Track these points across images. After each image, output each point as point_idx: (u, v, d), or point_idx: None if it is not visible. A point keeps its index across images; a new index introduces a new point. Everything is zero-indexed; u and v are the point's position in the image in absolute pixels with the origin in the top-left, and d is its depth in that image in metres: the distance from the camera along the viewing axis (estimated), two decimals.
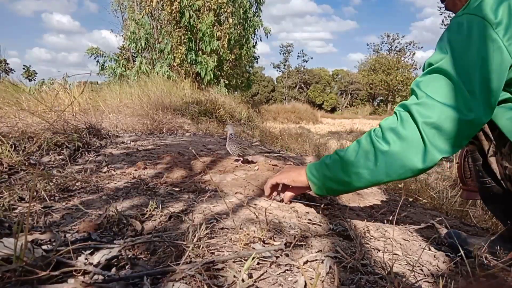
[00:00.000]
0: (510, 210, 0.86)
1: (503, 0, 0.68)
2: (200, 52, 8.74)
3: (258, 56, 12.49)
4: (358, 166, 0.79)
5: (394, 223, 1.01)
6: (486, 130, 0.80)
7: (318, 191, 0.92)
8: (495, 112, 0.75)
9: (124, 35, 9.75)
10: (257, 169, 1.41)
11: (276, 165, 1.52)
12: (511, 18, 0.67)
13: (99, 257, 0.55)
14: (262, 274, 0.58)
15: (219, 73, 9.49)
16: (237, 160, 1.53)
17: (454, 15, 0.80)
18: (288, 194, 1.02)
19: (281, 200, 1.05)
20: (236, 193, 1.11)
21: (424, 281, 0.66)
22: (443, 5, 0.95)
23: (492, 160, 0.82)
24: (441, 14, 20.59)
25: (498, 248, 0.86)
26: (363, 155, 0.79)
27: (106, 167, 1.30)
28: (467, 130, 0.72)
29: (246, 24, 10.20)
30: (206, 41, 8.39)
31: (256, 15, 10.45)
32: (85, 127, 1.82)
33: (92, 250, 0.60)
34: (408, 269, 0.70)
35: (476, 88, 0.69)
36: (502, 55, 0.68)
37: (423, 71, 0.79)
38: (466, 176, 1.13)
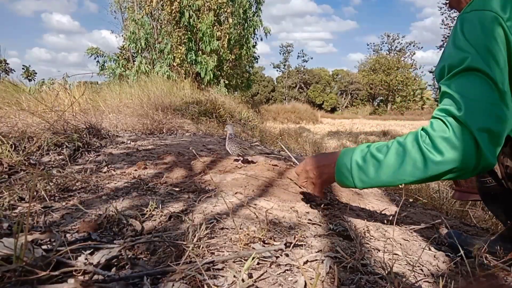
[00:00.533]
0: (510, 209, 0.86)
1: None
2: (200, 52, 8.74)
3: (258, 56, 12.49)
4: (404, 174, 0.75)
5: (394, 223, 1.01)
6: None
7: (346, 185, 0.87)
8: None
9: (124, 35, 9.75)
10: (257, 169, 1.41)
11: (276, 165, 1.52)
12: None
13: (99, 257, 0.55)
14: (262, 274, 0.58)
15: (219, 73, 9.49)
16: (236, 160, 1.53)
17: (457, 13, 0.79)
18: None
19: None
20: (236, 193, 1.11)
21: (424, 281, 0.66)
22: (447, 3, 0.93)
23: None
24: (442, 14, 20.57)
25: (498, 248, 0.86)
26: (410, 163, 0.74)
27: (106, 167, 1.30)
28: (509, 126, 0.70)
29: (246, 24, 10.20)
30: (206, 41, 8.39)
31: (256, 15, 10.45)
32: (85, 127, 1.82)
33: (92, 250, 0.60)
34: (408, 269, 0.70)
35: (506, 82, 0.69)
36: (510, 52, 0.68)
37: (439, 75, 0.77)
38: None
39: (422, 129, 0.75)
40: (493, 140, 0.69)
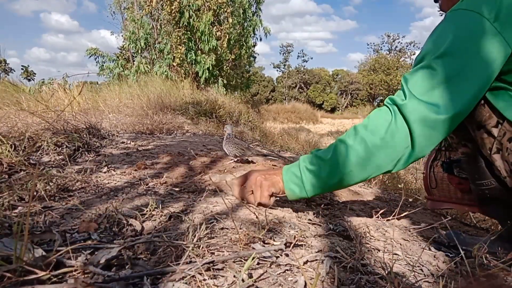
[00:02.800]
0: (509, 210, 0.86)
1: None
2: (199, 51, 8.73)
3: (257, 53, 12.48)
4: (350, 165, 0.79)
5: (394, 223, 1.01)
6: (488, 127, 0.79)
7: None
8: (501, 105, 0.75)
9: (123, 35, 9.75)
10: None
11: (275, 165, 1.52)
12: (506, 10, 0.68)
13: (99, 257, 0.55)
14: (262, 274, 0.58)
15: (218, 72, 9.48)
16: (234, 161, 1.53)
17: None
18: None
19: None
20: None
21: (424, 281, 0.66)
22: (438, 6, 0.95)
23: (496, 157, 0.80)
24: (441, 15, 20.56)
25: (498, 248, 0.86)
26: (353, 154, 0.80)
27: (106, 167, 1.30)
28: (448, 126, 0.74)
29: (246, 24, 10.19)
30: (205, 40, 8.39)
31: (255, 15, 10.44)
32: (85, 127, 1.82)
33: (92, 250, 0.60)
34: (408, 269, 0.70)
35: (475, 83, 0.71)
36: (500, 48, 0.69)
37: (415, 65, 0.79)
38: (431, 186, 1.15)
39: (367, 117, 0.80)
40: (428, 131, 0.72)
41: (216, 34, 8.58)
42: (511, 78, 0.74)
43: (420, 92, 0.72)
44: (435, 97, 0.71)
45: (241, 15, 9.67)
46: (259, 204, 0.91)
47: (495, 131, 0.78)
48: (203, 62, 8.48)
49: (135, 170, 1.30)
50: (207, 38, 8.32)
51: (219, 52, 8.81)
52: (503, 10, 0.68)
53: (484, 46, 0.69)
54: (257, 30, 10.51)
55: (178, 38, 8.42)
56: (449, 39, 0.72)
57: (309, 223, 0.90)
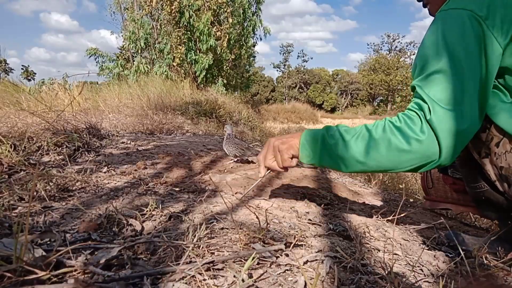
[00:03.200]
0: (505, 212, 0.85)
1: None
2: (198, 51, 8.74)
3: (257, 53, 12.47)
4: (367, 156, 0.77)
5: (394, 223, 1.01)
6: (476, 132, 0.77)
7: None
8: (488, 110, 0.74)
9: (123, 35, 9.75)
10: (257, 169, 1.41)
11: None
12: (495, 8, 0.67)
13: (99, 257, 0.55)
14: (262, 274, 0.58)
15: (217, 72, 9.48)
16: (234, 161, 1.53)
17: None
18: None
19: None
20: (236, 193, 1.11)
21: (424, 281, 0.66)
22: (428, 11, 0.95)
23: (485, 162, 0.80)
24: None
25: (498, 248, 0.86)
26: (374, 147, 0.77)
27: (106, 167, 1.30)
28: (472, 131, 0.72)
29: (246, 24, 10.19)
30: (203, 40, 8.39)
31: (255, 14, 10.43)
32: (85, 127, 1.82)
33: (92, 250, 0.60)
34: (408, 269, 0.70)
35: (478, 78, 0.69)
36: (493, 47, 0.68)
37: (413, 73, 0.77)
38: (428, 186, 1.15)
39: (397, 116, 0.77)
40: (456, 140, 0.70)
41: (216, 34, 8.58)
42: (502, 80, 0.74)
43: (440, 99, 0.70)
44: (458, 105, 0.69)
45: (241, 15, 9.67)
46: (284, 168, 0.90)
47: (483, 136, 0.78)
48: (200, 61, 8.48)
49: (135, 170, 1.30)
50: (205, 38, 8.32)
51: (218, 52, 8.80)
52: (492, 7, 0.68)
53: (480, 45, 0.68)
54: (257, 30, 10.52)
55: (178, 38, 8.42)
56: (445, 40, 0.71)
57: (309, 223, 0.90)
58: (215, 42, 8.41)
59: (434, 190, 1.14)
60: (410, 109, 0.75)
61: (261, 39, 11.43)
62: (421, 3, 0.94)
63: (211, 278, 0.54)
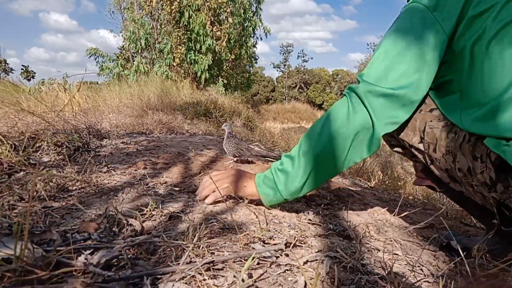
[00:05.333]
0: (479, 207, 0.87)
1: None
2: (197, 52, 8.74)
3: (258, 57, 12.47)
4: (317, 148, 0.84)
5: (394, 223, 1.01)
6: (415, 145, 0.85)
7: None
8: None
9: (123, 35, 9.75)
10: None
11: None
12: (443, 2, 0.75)
13: (99, 257, 0.55)
14: (262, 274, 0.58)
15: (218, 72, 9.48)
16: (234, 161, 1.53)
17: None
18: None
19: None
20: None
21: (424, 281, 0.66)
22: None
23: (434, 168, 0.86)
24: None
25: (498, 248, 0.86)
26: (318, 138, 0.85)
27: (106, 167, 1.30)
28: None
29: (246, 24, 10.19)
30: (201, 40, 8.40)
31: (255, 14, 10.43)
32: (85, 127, 1.82)
33: (92, 250, 0.60)
34: (408, 269, 0.70)
35: (426, 68, 0.76)
36: (438, 35, 0.75)
37: None
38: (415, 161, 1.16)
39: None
40: (383, 103, 0.77)
41: (216, 34, 8.58)
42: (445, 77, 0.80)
43: (368, 74, 0.79)
44: (383, 76, 0.77)
45: (242, 15, 9.66)
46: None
47: (421, 147, 0.84)
48: (200, 61, 8.48)
49: (135, 170, 1.30)
50: (203, 39, 8.33)
51: (217, 52, 8.80)
52: (440, 1, 0.75)
53: (423, 33, 0.75)
54: (257, 30, 10.51)
55: (178, 38, 8.42)
56: (392, 29, 0.80)
57: (309, 223, 0.90)
58: (213, 42, 8.41)
59: (416, 166, 1.14)
60: (344, 94, 0.84)
61: (261, 38, 11.42)
62: None
63: (211, 278, 0.54)
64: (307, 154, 0.81)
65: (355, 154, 0.81)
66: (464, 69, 0.76)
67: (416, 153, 0.88)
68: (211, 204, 0.92)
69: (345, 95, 0.82)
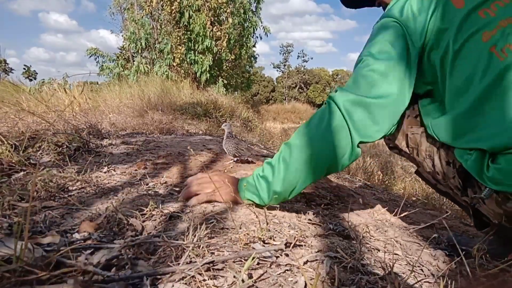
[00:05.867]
0: (478, 215, 0.88)
1: (406, 1, 0.81)
2: (196, 52, 8.74)
3: (257, 55, 12.46)
4: (296, 162, 0.85)
5: (394, 223, 1.01)
6: (404, 149, 0.90)
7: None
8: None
9: (124, 35, 9.75)
10: None
11: None
12: (413, 15, 0.79)
13: (99, 257, 0.55)
14: (262, 274, 0.58)
15: (218, 72, 9.48)
16: (234, 161, 1.53)
17: None
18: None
19: None
20: None
21: (424, 281, 0.66)
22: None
23: (421, 170, 0.91)
24: None
25: (497, 248, 0.86)
26: (297, 150, 0.85)
27: (106, 167, 1.30)
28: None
29: (246, 24, 10.18)
30: (200, 41, 8.41)
31: (255, 14, 10.42)
32: (85, 127, 1.82)
33: (92, 250, 0.60)
34: (408, 269, 0.70)
35: (398, 75, 0.78)
36: (411, 49, 0.78)
37: None
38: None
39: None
40: (360, 111, 0.78)
41: (216, 34, 8.58)
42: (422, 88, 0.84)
43: (347, 84, 0.82)
44: (358, 86, 0.79)
45: (242, 15, 9.65)
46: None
47: (408, 150, 0.89)
48: (200, 62, 8.48)
49: (135, 170, 1.30)
50: (202, 39, 8.34)
51: (216, 52, 8.80)
52: (409, 13, 0.79)
53: (394, 44, 0.78)
54: (256, 29, 10.51)
55: (178, 38, 8.42)
56: (368, 43, 0.83)
57: (309, 223, 0.90)
58: (211, 43, 8.41)
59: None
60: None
61: (261, 38, 11.40)
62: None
63: (211, 278, 0.54)
64: (285, 161, 0.82)
65: (335, 163, 0.82)
66: (439, 80, 0.79)
67: (407, 156, 0.92)
68: (192, 206, 0.91)
69: (325, 103, 0.84)
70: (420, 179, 1.03)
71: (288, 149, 0.82)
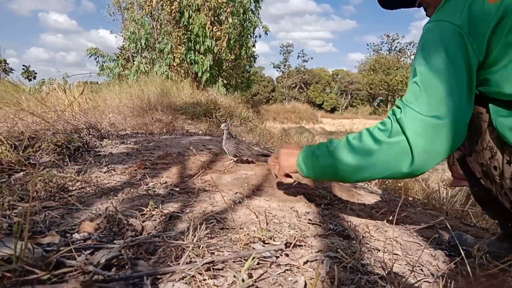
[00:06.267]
0: (500, 210, 0.86)
1: (465, 3, 0.72)
2: (197, 52, 8.75)
3: (257, 55, 12.48)
4: (347, 163, 0.81)
5: (394, 223, 1.01)
6: None
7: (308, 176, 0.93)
8: None
9: (123, 35, 9.75)
10: (257, 169, 1.41)
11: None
12: (472, 20, 0.70)
13: (99, 257, 0.55)
14: (262, 274, 0.58)
15: (218, 72, 9.48)
16: (234, 161, 1.53)
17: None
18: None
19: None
20: (236, 193, 1.11)
21: (424, 281, 0.66)
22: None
23: (471, 160, 0.83)
24: None
25: (497, 248, 0.86)
26: (347, 153, 0.82)
27: (106, 167, 1.30)
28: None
29: (246, 24, 10.18)
30: (200, 41, 8.41)
31: (255, 14, 10.41)
32: (85, 127, 1.82)
33: (92, 250, 0.60)
34: (408, 269, 0.70)
35: (464, 91, 0.72)
36: (469, 57, 0.71)
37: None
38: (450, 163, 1.15)
39: (375, 125, 0.81)
40: (427, 139, 0.72)
41: (216, 34, 8.58)
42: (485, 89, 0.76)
43: (411, 101, 0.74)
44: (425, 104, 0.72)
45: (242, 15, 9.65)
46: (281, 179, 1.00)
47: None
48: (201, 62, 8.49)
49: (135, 170, 1.30)
50: (202, 39, 8.34)
51: (216, 52, 8.80)
52: (472, 19, 0.71)
53: (457, 54, 0.71)
54: (256, 29, 10.51)
55: (178, 38, 8.42)
56: (427, 50, 0.75)
57: (309, 223, 0.90)
58: (212, 43, 8.41)
59: (456, 168, 1.13)
60: (388, 116, 0.79)
61: (260, 36, 11.40)
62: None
63: (211, 278, 0.54)
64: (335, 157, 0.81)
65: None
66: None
67: None
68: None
69: (388, 117, 0.78)
70: (457, 164, 0.98)
71: (346, 150, 0.80)
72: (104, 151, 1.59)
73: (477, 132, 0.78)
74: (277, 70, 40.11)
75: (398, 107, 0.76)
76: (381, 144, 0.75)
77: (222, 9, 8.66)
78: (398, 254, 0.78)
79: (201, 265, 0.55)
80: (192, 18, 8.29)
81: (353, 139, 0.81)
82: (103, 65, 9.40)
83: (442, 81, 0.71)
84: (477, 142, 0.78)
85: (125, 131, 2.58)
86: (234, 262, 0.60)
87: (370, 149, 0.76)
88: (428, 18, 0.86)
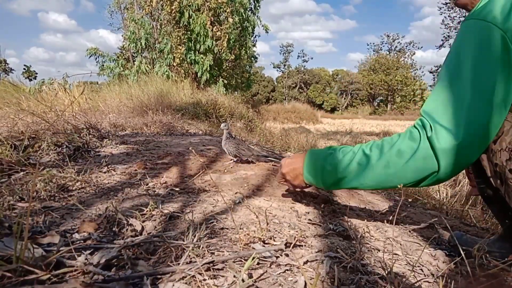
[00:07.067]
0: (504, 209, 0.85)
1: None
2: (197, 52, 8.75)
3: (258, 55, 12.49)
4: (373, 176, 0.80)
5: (394, 223, 1.01)
6: None
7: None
8: None
9: (123, 35, 9.76)
10: (257, 169, 1.41)
11: (276, 165, 1.52)
12: None
13: (99, 257, 0.55)
14: (262, 274, 0.58)
15: (218, 72, 9.49)
16: (234, 161, 1.53)
17: (457, 13, 0.78)
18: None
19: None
20: (236, 193, 1.11)
21: (424, 281, 0.66)
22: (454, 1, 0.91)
23: (483, 157, 0.80)
24: (441, 14, 20.51)
25: (498, 248, 0.86)
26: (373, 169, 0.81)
27: (106, 167, 1.30)
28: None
29: (245, 24, 10.18)
30: (200, 41, 8.41)
31: (254, 13, 10.41)
32: (85, 127, 1.82)
33: (92, 250, 0.60)
34: (408, 269, 0.70)
35: (498, 95, 0.68)
36: (510, 65, 0.65)
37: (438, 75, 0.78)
38: (468, 171, 1.13)
39: (397, 135, 0.79)
40: (456, 157, 0.70)
41: (216, 34, 8.59)
42: None
43: (440, 116, 0.70)
44: (456, 122, 0.68)
45: (242, 15, 9.65)
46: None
47: None
48: (201, 62, 8.49)
49: (135, 170, 1.30)
50: (202, 39, 8.34)
51: (216, 52, 8.80)
52: None
53: (497, 63, 0.66)
54: (256, 28, 10.51)
55: (178, 38, 8.42)
56: (459, 52, 0.71)
57: (309, 223, 0.90)
58: (212, 43, 8.41)
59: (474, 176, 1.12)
60: (415, 126, 0.76)
61: (259, 35, 11.44)
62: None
63: (211, 278, 0.54)
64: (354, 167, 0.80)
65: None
66: None
67: None
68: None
69: (417, 129, 0.75)
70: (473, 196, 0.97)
71: (364, 164, 0.79)
72: (104, 151, 1.59)
73: (500, 132, 0.74)
74: (277, 70, 40.17)
75: (427, 120, 0.72)
76: (410, 160, 0.73)
77: (222, 9, 8.66)
78: (398, 254, 0.78)
79: (201, 265, 0.55)
80: (192, 18, 8.29)
81: (374, 155, 0.78)
82: (103, 65, 9.40)
83: (477, 93, 0.67)
84: (495, 141, 0.75)
85: (125, 131, 2.58)
86: (234, 262, 0.60)
87: (398, 164, 0.74)
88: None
